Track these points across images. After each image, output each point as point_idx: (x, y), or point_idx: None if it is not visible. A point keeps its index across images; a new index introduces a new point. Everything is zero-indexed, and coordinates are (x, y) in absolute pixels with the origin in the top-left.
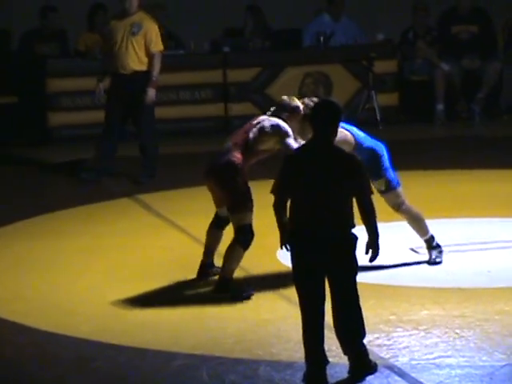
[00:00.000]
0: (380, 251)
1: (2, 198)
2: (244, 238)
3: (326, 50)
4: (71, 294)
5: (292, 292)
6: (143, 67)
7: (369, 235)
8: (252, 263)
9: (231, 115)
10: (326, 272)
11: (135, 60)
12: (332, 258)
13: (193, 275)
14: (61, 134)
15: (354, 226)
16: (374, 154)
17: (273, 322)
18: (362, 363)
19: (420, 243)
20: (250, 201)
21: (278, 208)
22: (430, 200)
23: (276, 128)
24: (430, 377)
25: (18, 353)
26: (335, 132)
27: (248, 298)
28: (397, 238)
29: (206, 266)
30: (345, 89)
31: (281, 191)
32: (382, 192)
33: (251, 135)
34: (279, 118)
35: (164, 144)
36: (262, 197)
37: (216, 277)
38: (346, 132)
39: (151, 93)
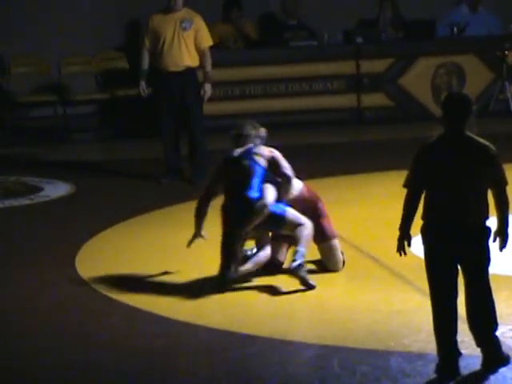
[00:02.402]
0: (509, 240)
1: (136, 188)
2: None
3: (459, 40)
4: (201, 284)
5: (424, 283)
6: (195, 63)
7: (499, 223)
8: (384, 254)
9: (364, 106)
10: (460, 263)
11: (187, 56)
12: (466, 248)
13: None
14: None
15: (488, 217)
16: None
17: (405, 313)
18: (495, 355)
19: None
20: None
21: (410, 202)
22: None
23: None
24: None
25: (150, 343)
26: (467, 123)
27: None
28: None
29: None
30: (478, 80)
31: (414, 184)
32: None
33: None
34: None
35: (297, 135)
36: (396, 187)
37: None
38: None
39: (208, 89)
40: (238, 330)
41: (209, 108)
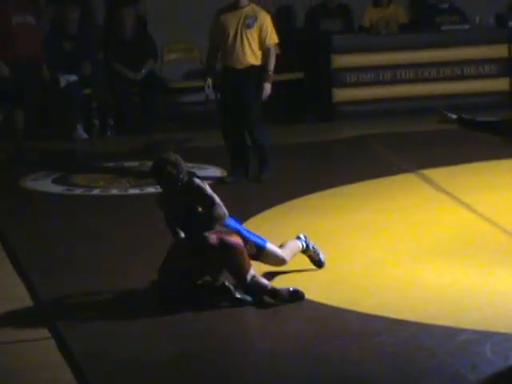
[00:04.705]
0: None
1: (289, 172)
2: None
3: None
4: (355, 269)
5: None
6: (258, 61)
7: None
8: None
9: None
10: None
11: (250, 54)
12: None
13: (476, 253)
14: (345, 109)
15: None
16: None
17: None
18: None
19: None
20: None
21: None
22: None
23: None
24: None
25: (303, 327)
26: None
27: None
28: None
29: None
30: None
31: None
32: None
33: None
34: None
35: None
36: None
37: None
38: None
39: (267, 87)
40: (390, 315)
41: (360, 93)
